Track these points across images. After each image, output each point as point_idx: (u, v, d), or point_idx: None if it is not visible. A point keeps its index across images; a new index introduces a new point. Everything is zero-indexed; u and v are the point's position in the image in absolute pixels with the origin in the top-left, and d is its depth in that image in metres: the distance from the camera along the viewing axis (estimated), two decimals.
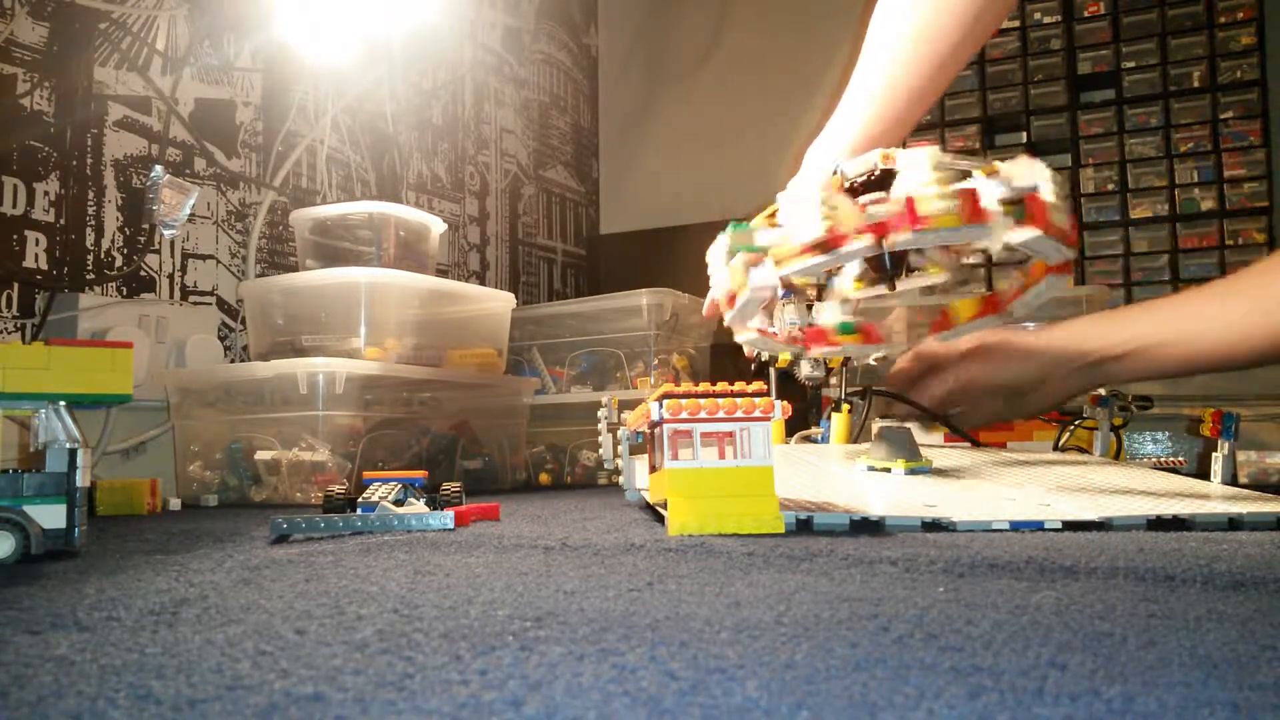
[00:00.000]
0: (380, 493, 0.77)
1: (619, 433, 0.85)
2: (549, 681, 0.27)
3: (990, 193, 0.65)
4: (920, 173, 0.66)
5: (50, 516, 0.59)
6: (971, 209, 0.65)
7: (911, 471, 0.79)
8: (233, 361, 1.51)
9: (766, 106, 2.47)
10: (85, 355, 0.61)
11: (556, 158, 2.50)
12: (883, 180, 0.69)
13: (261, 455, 1.24)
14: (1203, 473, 0.88)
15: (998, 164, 0.68)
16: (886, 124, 0.89)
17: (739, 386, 0.63)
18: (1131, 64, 2.10)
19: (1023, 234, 0.66)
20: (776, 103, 2.45)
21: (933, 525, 0.65)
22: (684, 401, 0.62)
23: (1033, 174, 0.67)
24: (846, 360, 0.96)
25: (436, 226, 1.53)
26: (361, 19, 1.75)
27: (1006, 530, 0.64)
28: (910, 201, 0.65)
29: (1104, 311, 0.95)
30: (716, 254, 0.78)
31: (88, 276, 1.34)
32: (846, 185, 0.70)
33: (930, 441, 0.98)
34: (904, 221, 0.64)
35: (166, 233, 1.43)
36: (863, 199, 0.67)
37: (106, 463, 1.32)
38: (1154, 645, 0.30)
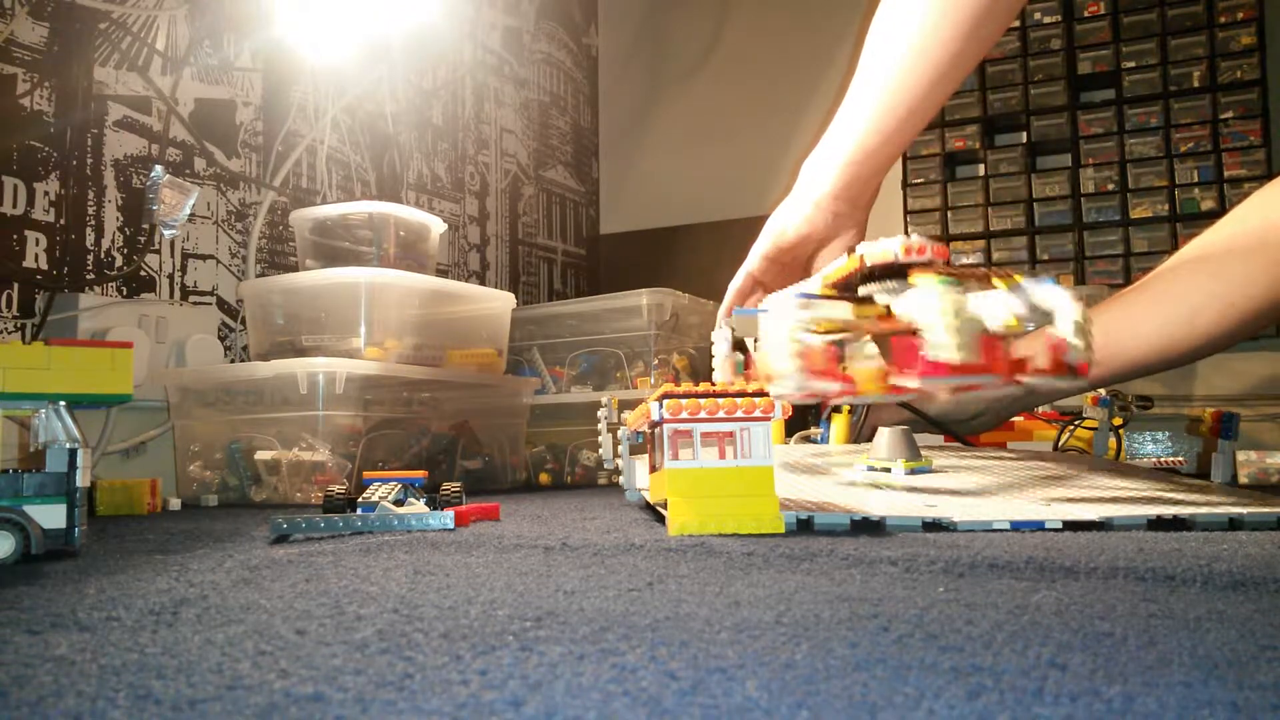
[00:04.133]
0: (380, 493, 0.77)
1: (619, 433, 0.85)
2: (549, 681, 0.27)
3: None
4: (933, 316, 0.60)
5: (50, 516, 0.59)
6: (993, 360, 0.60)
7: (912, 471, 0.79)
8: (233, 361, 1.51)
9: (766, 106, 2.47)
10: (85, 355, 0.61)
11: (556, 158, 2.50)
12: (900, 271, 0.66)
13: (261, 455, 1.24)
14: (1203, 473, 0.88)
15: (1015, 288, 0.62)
16: (885, 136, 0.87)
17: (739, 386, 0.63)
18: (1131, 64, 2.10)
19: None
20: (776, 103, 2.45)
21: (933, 525, 0.65)
22: (684, 401, 0.62)
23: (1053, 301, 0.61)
24: None
25: (436, 226, 1.53)
26: (361, 19, 1.75)
27: (1006, 530, 0.64)
28: (921, 352, 0.60)
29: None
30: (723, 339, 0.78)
31: (88, 276, 1.34)
32: (865, 270, 0.68)
33: (930, 441, 0.98)
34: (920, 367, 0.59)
35: (166, 233, 1.43)
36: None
37: (106, 463, 1.32)
38: (1154, 645, 0.30)
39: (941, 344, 0.58)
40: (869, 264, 0.68)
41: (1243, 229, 0.90)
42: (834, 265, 0.72)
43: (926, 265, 0.65)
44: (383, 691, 0.26)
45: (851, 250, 0.70)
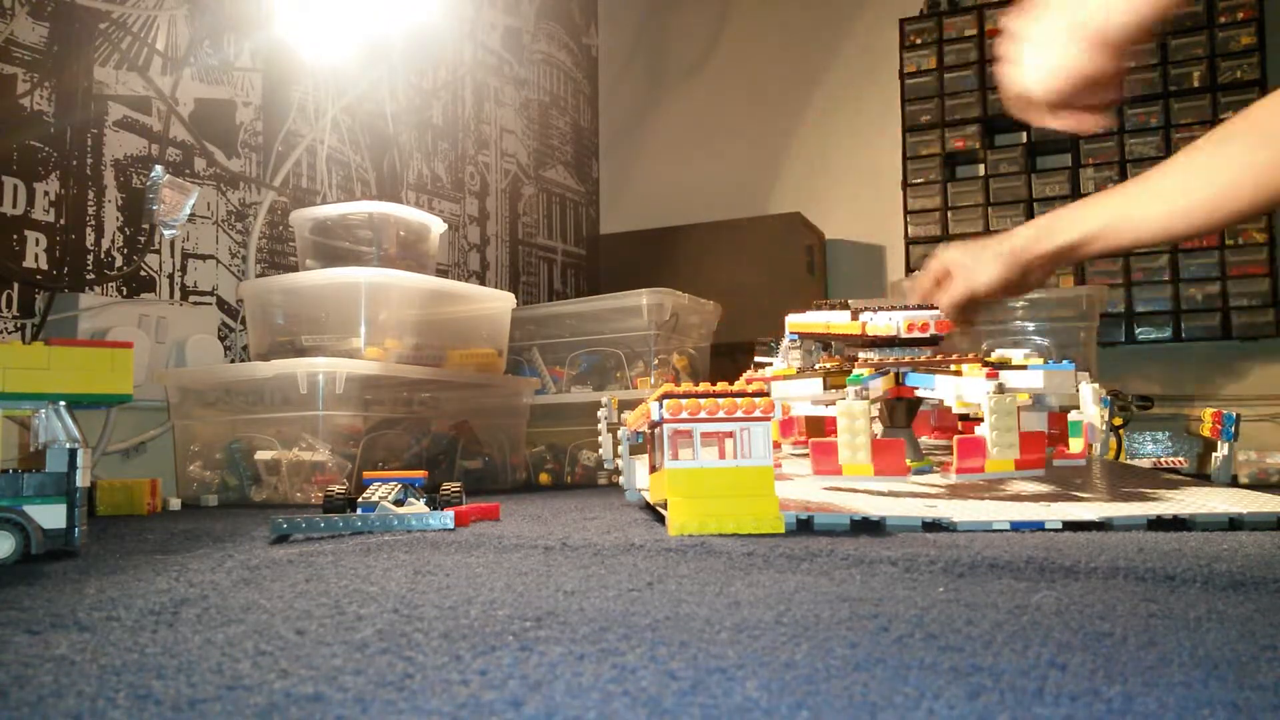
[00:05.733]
0: (380, 493, 0.77)
1: (619, 433, 0.85)
2: (549, 681, 0.27)
3: None
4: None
5: (50, 516, 0.59)
6: None
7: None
8: (233, 361, 1.51)
9: (766, 107, 2.47)
10: (85, 355, 0.61)
11: (556, 158, 2.50)
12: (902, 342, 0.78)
13: (261, 455, 1.24)
14: (1203, 473, 0.88)
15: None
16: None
17: (739, 386, 0.63)
18: (1131, 64, 2.10)
19: None
20: (776, 103, 2.45)
21: (933, 525, 0.65)
22: (684, 401, 0.62)
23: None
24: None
25: (436, 226, 1.53)
26: (361, 19, 1.75)
27: (1006, 530, 0.64)
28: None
29: (1063, 208, 0.98)
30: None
31: (88, 276, 1.34)
32: (866, 339, 0.80)
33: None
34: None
35: (166, 233, 1.43)
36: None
37: (106, 463, 1.32)
38: (1154, 645, 0.30)
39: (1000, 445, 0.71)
40: (870, 334, 0.73)
41: None
42: (837, 319, 0.78)
43: (928, 342, 0.74)
44: (383, 691, 0.26)
45: (843, 306, 0.78)
